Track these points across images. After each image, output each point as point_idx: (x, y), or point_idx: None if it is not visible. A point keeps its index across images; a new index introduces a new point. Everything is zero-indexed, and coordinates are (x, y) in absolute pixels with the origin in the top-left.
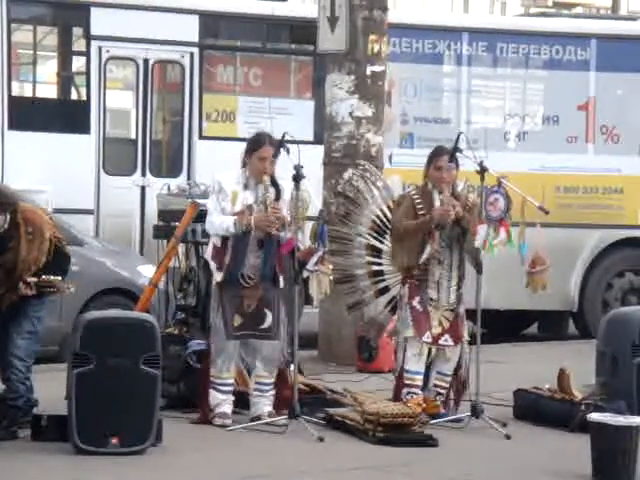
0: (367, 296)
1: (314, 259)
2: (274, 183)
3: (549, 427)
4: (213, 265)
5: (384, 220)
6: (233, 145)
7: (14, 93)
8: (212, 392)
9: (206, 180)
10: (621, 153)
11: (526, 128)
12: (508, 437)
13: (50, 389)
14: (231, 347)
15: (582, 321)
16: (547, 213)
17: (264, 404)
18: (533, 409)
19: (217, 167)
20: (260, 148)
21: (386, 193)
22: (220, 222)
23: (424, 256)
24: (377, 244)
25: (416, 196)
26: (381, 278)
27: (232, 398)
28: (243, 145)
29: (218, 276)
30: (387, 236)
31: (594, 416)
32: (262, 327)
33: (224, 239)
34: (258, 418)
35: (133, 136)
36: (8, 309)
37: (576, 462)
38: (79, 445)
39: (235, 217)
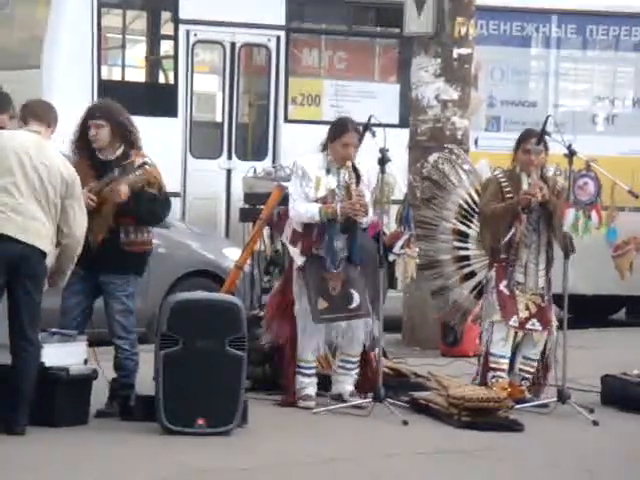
0: (452, 282)
1: (400, 242)
2: (354, 169)
3: (637, 413)
4: (293, 250)
5: (471, 204)
6: (318, 128)
7: (103, 77)
8: (296, 375)
9: (291, 163)
10: None
11: (615, 111)
12: (595, 423)
13: (138, 370)
14: (317, 330)
15: None
16: (637, 197)
17: (347, 382)
18: (621, 395)
19: (302, 150)
20: (344, 135)
21: (474, 177)
22: (305, 210)
23: (507, 237)
24: (464, 228)
25: (503, 179)
26: (467, 263)
27: (316, 380)
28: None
29: (299, 260)
30: (475, 220)
31: None
32: (351, 307)
33: (306, 225)
34: (339, 396)
35: (219, 119)
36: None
37: None
38: (166, 425)
39: (320, 205)
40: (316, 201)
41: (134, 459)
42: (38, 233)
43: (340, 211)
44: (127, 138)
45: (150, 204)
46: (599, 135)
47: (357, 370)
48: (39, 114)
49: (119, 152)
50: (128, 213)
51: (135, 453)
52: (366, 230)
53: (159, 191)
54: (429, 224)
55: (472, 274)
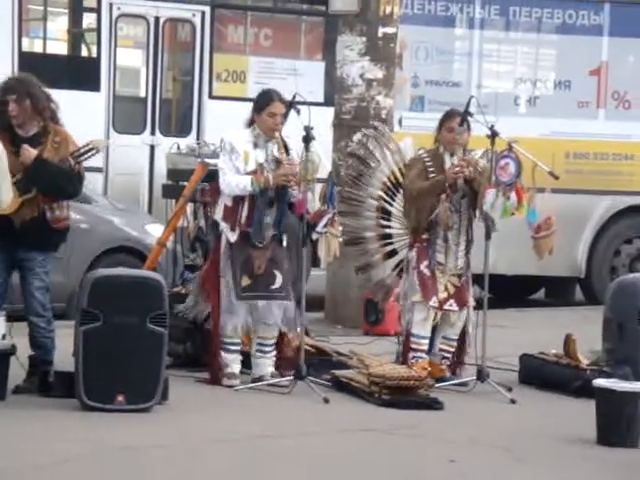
0: (375, 259)
1: (323, 221)
2: (282, 142)
3: (554, 392)
4: (225, 225)
5: (395, 182)
6: (243, 105)
7: (24, 49)
8: (220, 352)
9: (215, 140)
10: (632, 119)
11: (537, 93)
12: (513, 401)
13: (57, 345)
14: (241, 307)
15: (589, 287)
16: (557, 178)
17: (267, 364)
18: (538, 374)
19: (227, 127)
20: (270, 104)
21: (398, 155)
22: (236, 182)
23: (434, 214)
24: (387, 206)
25: (427, 159)
26: (389, 241)
27: (240, 358)
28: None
29: (232, 237)
30: (397, 199)
31: (600, 381)
32: (273, 287)
33: (235, 199)
34: (261, 379)
35: (143, 94)
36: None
37: (581, 427)
38: (85, 401)
39: (251, 176)
40: (248, 174)
41: (52, 436)
42: None
43: (273, 180)
44: (46, 113)
45: (54, 177)
46: (521, 116)
47: (274, 352)
48: None
49: (39, 127)
50: (31, 184)
51: (53, 430)
52: (293, 206)
53: (70, 165)
54: (355, 201)
55: (394, 252)
